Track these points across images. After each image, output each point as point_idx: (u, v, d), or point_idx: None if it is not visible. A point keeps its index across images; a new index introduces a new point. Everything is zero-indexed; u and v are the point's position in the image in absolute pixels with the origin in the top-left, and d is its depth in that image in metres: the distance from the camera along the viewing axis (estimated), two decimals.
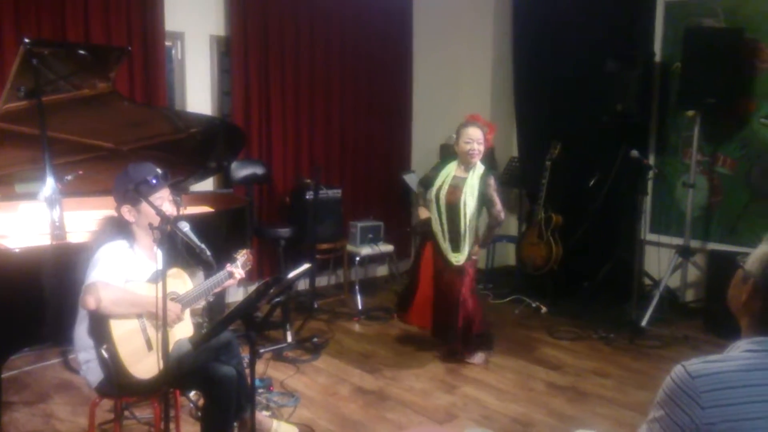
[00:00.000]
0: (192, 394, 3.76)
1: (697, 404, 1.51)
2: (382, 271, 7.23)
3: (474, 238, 4.66)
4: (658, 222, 6.14)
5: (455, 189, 4.63)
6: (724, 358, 1.61)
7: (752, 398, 1.51)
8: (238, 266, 3.25)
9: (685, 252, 5.74)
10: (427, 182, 4.88)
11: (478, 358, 4.80)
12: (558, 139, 5.96)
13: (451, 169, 4.75)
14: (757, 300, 1.60)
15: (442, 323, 4.86)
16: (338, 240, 6.29)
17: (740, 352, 1.60)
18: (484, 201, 4.63)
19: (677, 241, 5.87)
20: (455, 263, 4.67)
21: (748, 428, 1.50)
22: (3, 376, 3.25)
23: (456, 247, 4.67)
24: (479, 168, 4.65)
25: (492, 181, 4.64)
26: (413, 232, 5.01)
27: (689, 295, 6.04)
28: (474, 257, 4.71)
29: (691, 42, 5.45)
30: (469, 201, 4.58)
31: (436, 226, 4.75)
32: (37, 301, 3.03)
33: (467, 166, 4.66)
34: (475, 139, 4.59)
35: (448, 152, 7.05)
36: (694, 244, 5.81)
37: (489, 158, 4.85)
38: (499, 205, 4.63)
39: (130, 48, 4.51)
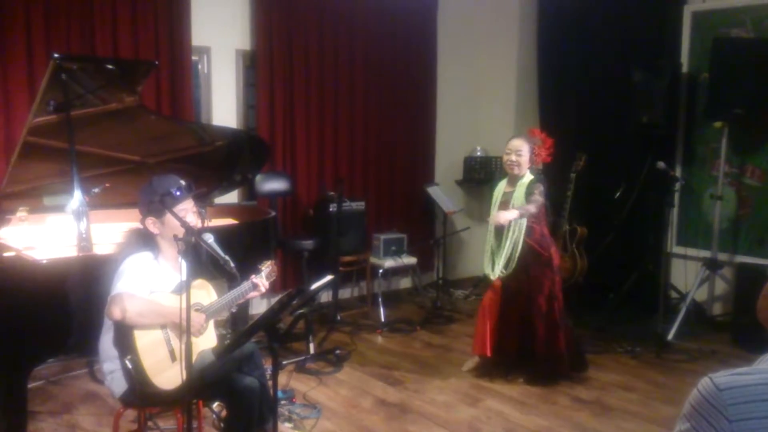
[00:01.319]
0: (215, 405, 3.78)
1: (724, 417, 1.48)
2: (405, 283, 7.22)
3: (526, 253, 4.52)
4: (684, 234, 6.07)
5: (504, 205, 4.57)
6: (752, 370, 1.58)
7: None
8: (263, 277, 3.26)
9: (712, 265, 5.66)
10: None
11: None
12: (583, 151, 5.92)
13: (501, 186, 4.71)
14: None
15: (509, 347, 4.71)
16: (361, 252, 6.29)
17: None
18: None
19: (704, 253, 5.79)
20: (493, 278, 4.62)
21: None
22: (29, 386, 3.28)
23: (494, 262, 4.62)
24: (526, 178, 4.53)
25: (538, 188, 4.45)
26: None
27: (717, 309, 5.96)
28: (510, 215, 4.37)
29: (719, 52, 5.39)
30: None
31: (486, 243, 4.70)
32: (64, 312, 3.06)
33: (513, 179, 4.60)
34: (514, 150, 4.51)
35: (472, 164, 7.08)
36: (722, 256, 5.73)
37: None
38: (533, 206, 4.41)
39: (157, 62, 4.57)
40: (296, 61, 6.02)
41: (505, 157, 4.57)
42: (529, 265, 4.54)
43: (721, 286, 5.91)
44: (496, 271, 4.60)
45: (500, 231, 4.57)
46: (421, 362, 5.05)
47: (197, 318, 2.94)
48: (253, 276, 3.23)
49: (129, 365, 2.78)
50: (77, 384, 4.48)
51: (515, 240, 4.52)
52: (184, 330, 2.65)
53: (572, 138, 6.52)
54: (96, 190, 3.91)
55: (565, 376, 4.65)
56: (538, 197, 4.45)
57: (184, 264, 2.69)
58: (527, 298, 4.57)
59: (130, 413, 3.50)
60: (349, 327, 5.78)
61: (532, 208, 4.42)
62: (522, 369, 4.72)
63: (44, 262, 3.16)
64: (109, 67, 3.62)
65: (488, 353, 4.75)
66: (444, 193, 6.72)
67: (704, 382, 1.55)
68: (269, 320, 2.69)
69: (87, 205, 3.54)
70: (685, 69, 5.96)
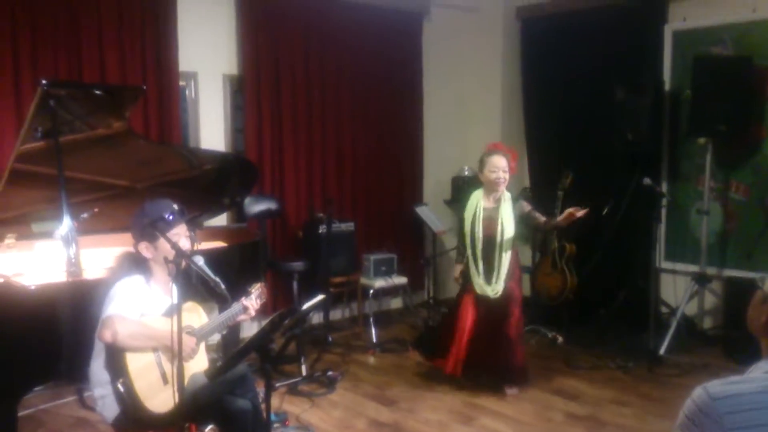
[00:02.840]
0: (208, 429, 3.74)
1: (719, 426, 1.49)
2: (396, 303, 7.21)
3: (510, 267, 4.66)
4: (672, 250, 6.10)
5: (490, 221, 4.64)
6: (745, 379, 1.59)
7: None
8: (252, 300, 3.25)
9: (701, 279, 5.69)
10: (461, 233, 4.85)
11: (513, 390, 4.75)
12: (570, 169, 5.96)
13: (478, 200, 4.75)
14: None
15: (479, 362, 4.79)
16: (352, 273, 6.28)
17: (762, 373, 1.58)
18: (527, 221, 4.76)
19: (693, 268, 5.81)
20: (493, 295, 4.65)
21: None
22: (19, 414, 3.24)
23: (489, 279, 4.66)
24: (507, 195, 4.68)
25: (526, 204, 4.72)
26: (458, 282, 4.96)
27: (707, 323, 5.98)
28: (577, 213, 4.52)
29: (701, 70, 5.46)
30: (507, 230, 4.60)
31: (470, 263, 4.72)
32: (53, 338, 3.04)
33: (494, 195, 4.68)
34: (500, 167, 4.61)
35: (460, 183, 7.10)
36: (711, 270, 5.76)
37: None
38: (541, 217, 4.72)
39: (144, 87, 4.57)
40: (283, 85, 6.05)
41: (493, 176, 4.63)
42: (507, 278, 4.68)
43: (710, 300, 5.94)
44: (497, 288, 4.65)
45: (491, 248, 4.62)
46: (413, 382, 5.04)
47: (188, 341, 2.92)
48: (243, 298, 3.22)
49: (121, 389, 2.76)
50: (67, 411, 4.43)
51: (506, 257, 4.59)
52: (176, 353, 2.63)
53: (558, 156, 6.58)
54: (85, 215, 3.90)
55: (520, 385, 4.77)
56: (537, 214, 4.71)
57: (174, 287, 2.68)
58: (503, 310, 4.66)
59: None
60: (341, 348, 5.76)
61: (542, 218, 4.68)
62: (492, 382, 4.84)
63: (32, 288, 3.14)
64: (98, 92, 3.62)
65: (459, 373, 4.83)
66: (433, 213, 6.74)
67: (698, 392, 1.56)
68: (261, 341, 2.69)
69: (76, 230, 3.53)
70: (667, 87, 6.02)
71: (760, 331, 1.65)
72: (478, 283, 4.69)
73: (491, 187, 4.66)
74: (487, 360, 4.75)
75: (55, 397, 4.58)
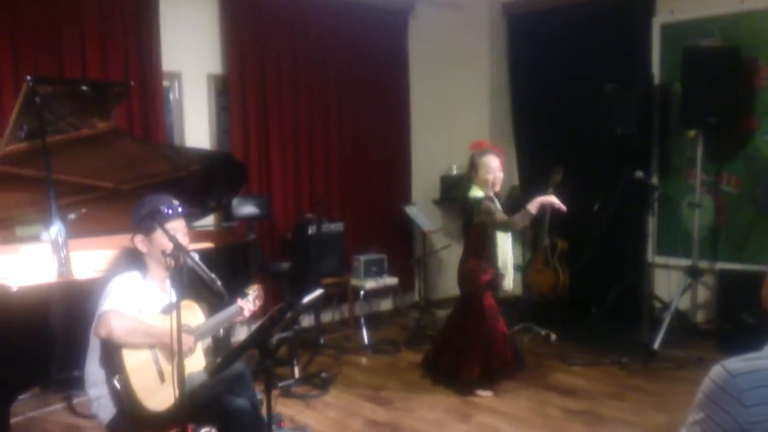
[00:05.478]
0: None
1: (739, 403, 1.46)
2: (386, 305, 7.14)
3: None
4: (665, 244, 6.08)
5: None
6: (763, 355, 1.57)
7: None
8: (250, 301, 3.19)
9: (693, 272, 5.67)
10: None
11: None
12: (559, 165, 5.93)
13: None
14: None
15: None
16: (342, 274, 6.20)
17: None
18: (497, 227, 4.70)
19: (685, 262, 5.79)
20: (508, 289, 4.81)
21: None
22: None
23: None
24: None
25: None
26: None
27: (700, 316, 5.97)
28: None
29: (690, 62, 5.44)
30: None
31: (507, 253, 4.79)
32: (45, 339, 2.95)
33: (490, 192, 4.62)
34: (495, 168, 4.57)
35: (449, 183, 7.05)
36: (703, 264, 5.74)
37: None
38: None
39: (132, 83, 4.48)
40: (269, 84, 5.98)
41: (490, 177, 4.55)
42: None
43: (703, 294, 5.93)
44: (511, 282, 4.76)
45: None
46: (408, 382, 4.97)
47: (187, 339, 2.85)
48: (240, 299, 3.16)
49: (117, 386, 2.68)
50: (56, 418, 4.31)
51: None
52: (174, 350, 2.56)
53: (547, 153, 6.55)
54: (72, 216, 3.80)
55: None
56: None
57: (171, 283, 2.61)
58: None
59: None
60: (333, 350, 5.68)
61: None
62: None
63: (14, 289, 3.02)
64: (84, 88, 3.53)
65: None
66: (422, 212, 6.69)
67: (716, 370, 1.53)
68: (261, 336, 2.62)
69: (66, 232, 3.43)
70: (656, 80, 6.00)
71: None
72: (509, 280, 4.74)
73: (488, 187, 4.58)
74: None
75: (43, 404, 4.46)
